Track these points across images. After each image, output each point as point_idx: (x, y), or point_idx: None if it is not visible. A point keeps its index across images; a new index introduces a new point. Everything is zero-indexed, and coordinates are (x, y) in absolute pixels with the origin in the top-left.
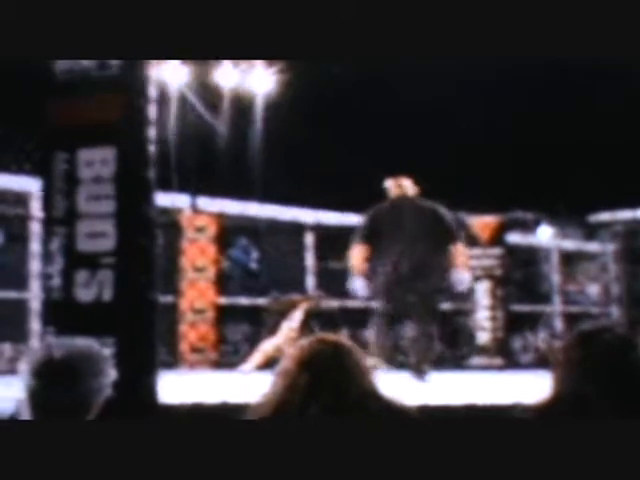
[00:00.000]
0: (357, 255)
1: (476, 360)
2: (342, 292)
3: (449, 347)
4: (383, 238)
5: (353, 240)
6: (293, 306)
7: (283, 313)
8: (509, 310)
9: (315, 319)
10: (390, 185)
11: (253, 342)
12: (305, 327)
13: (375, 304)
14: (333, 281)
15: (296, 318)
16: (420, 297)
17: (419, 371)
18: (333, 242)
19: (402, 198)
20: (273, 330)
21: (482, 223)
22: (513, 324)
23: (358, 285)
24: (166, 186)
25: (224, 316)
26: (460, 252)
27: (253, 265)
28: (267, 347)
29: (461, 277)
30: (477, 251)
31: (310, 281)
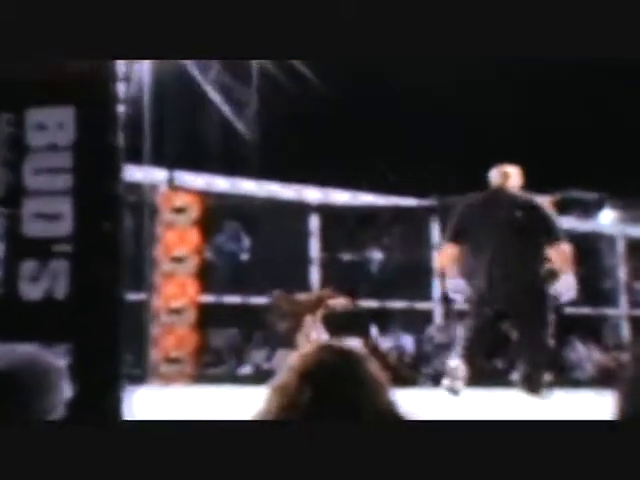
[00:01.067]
0: (447, 257)
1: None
2: (353, 289)
3: (487, 359)
4: (474, 236)
5: (443, 238)
6: (316, 306)
7: (297, 316)
8: (562, 313)
9: (339, 325)
10: (493, 174)
11: (242, 351)
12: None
13: (468, 307)
14: (344, 275)
15: (314, 327)
16: (521, 299)
17: (531, 386)
18: (344, 227)
19: (499, 190)
20: (288, 338)
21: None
22: (567, 331)
23: (457, 287)
24: (137, 157)
25: (208, 318)
26: (564, 254)
27: (245, 255)
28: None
29: (567, 284)
30: None
31: (314, 275)
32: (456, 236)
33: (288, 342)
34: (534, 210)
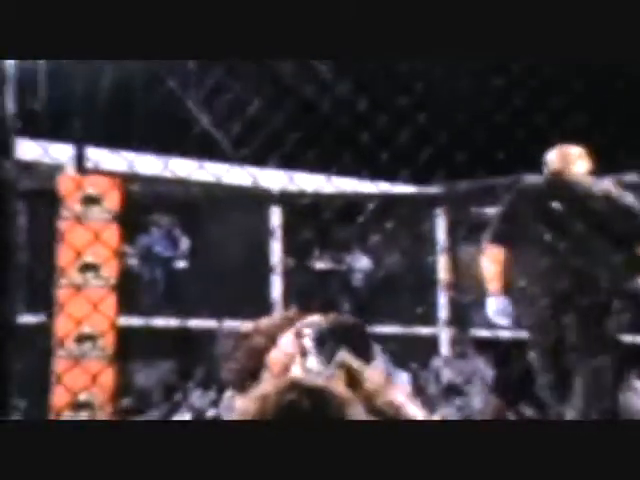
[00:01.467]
0: (491, 262)
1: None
2: (327, 305)
3: (508, 402)
4: (530, 236)
5: (483, 239)
6: (279, 330)
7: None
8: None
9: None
10: (552, 156)
11: (178, 393)
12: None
13: (527, 334)
14: (315, 289)
15: (298, 356)
16: (581, 317)
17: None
18: (316, 223)
19: (561, 175)
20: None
21: None
22: (628, 363)
23: (499, 308)
24: (35, 130)
25: (130, 348)
26: None
27: (182, 262)
28: None
29: None
30: None
31: (276, 289)
32: (502, 236)
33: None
34: (613, 201)
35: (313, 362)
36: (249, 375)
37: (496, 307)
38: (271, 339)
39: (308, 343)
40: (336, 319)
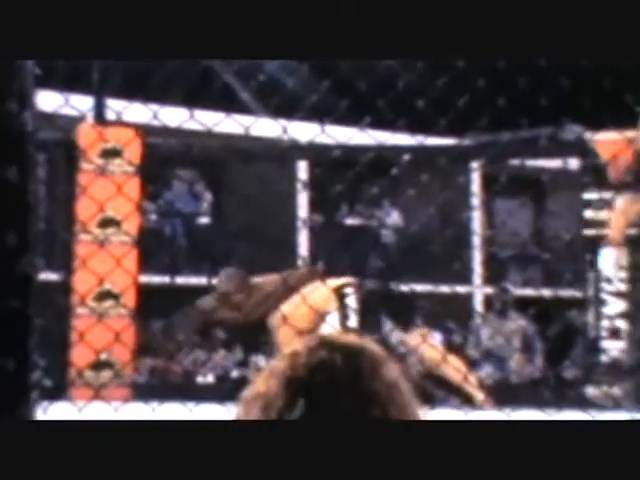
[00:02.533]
0: (621, 211)
1: (594, 390)
2: (360, 265)
3: (551, 365)
4: None
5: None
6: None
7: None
8: None
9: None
10: None
11: (201, 353)
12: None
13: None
14: (345, 246)
15: (329, 316)
16: None
17: None
18: (345, 176)
19: None
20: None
21: (609, 143)
22: None
23: (615, 259)
24: (53, 79)
25: (152, 306)
26: None
27: (204, 218)
28: None
29: None
30: (597, 195)
31: (303, 245)
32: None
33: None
34: None
35: (354, 321)
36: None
37: (613, 258)
38: (290, 288)
39: (352, 303)
40: (381, 284)
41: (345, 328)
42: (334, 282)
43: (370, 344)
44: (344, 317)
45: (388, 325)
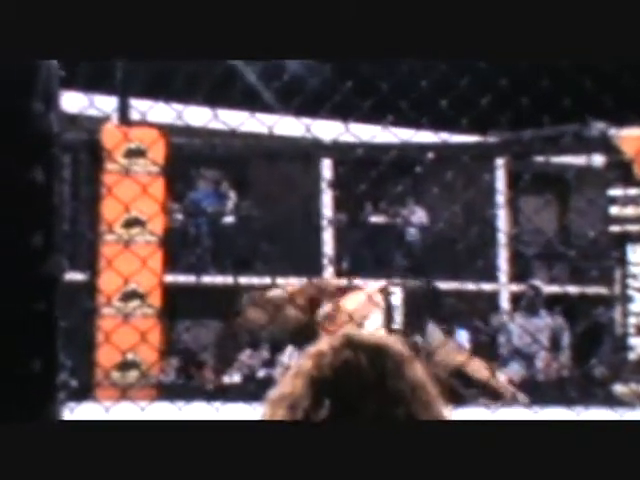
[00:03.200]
0: None
1: (622, 388)
2: (381, 260)
3: (577, 361)
4: None
5: None
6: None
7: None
8: None
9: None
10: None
11: (227, 353)
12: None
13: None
14: (369, 244)
15: (371, 316)
16: None
17: None
18: (370, 175)
19: None
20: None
21: (633, 139)
22: None
23: None
24: (78, 80)
25: (178, 307)
26: None
27: (230, 217)
28: None
29: None
30: (623, 191)
31: (328, 244)
32: None
33: (299, 338)
34: None
35: (396, 322)
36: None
37: None
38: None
39: (397, 302)
40: (427, 286)
41: (390, 330)
42: (374, 285)
43: (395, 343)
44: (388, 318)
45: (431, 326)
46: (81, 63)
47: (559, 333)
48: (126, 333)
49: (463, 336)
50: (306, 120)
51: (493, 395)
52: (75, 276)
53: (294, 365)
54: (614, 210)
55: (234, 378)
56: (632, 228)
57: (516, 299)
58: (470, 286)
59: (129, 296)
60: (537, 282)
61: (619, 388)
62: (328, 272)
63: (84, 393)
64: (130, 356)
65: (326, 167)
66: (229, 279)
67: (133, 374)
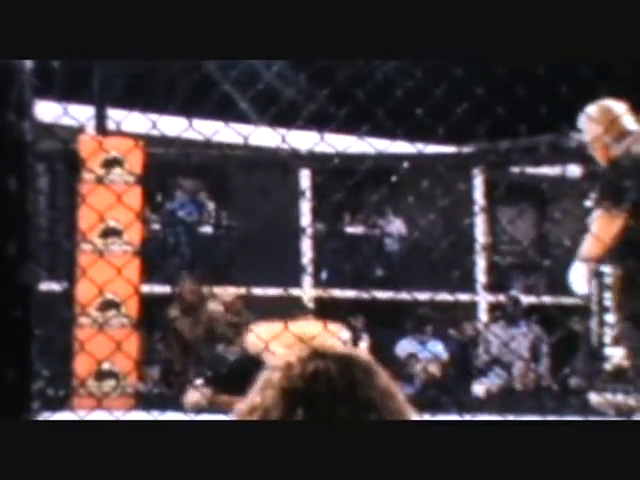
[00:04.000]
0: (608, 226)
1: (597, 397)
2: (359, 271)
3: (554, 371)
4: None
5: (597, 203)
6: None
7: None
8: None
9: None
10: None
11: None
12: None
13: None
14: (347, 255)
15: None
16: None
17: None
18: (347, 185)
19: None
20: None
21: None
22: None
23: (585, 275)
24: (52, 88)
25: (155, 315)
26: None
27: (207, 227)
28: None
29: None
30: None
31: (306, 252)
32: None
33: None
34: None
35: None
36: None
37: (583, 273)
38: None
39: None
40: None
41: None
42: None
43: (360, 353)
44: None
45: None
46: (55, 67)
47: (538, 343)
48: (102, 342)
49: (439, 347)
50: (282, 130)
51: None
52: (52, 286)
53: (261, 377)
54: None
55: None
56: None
57: (494, 309)
58: (447, 296)
59: (105, 306)
60: (515, 292)
61: (594, 398)
62: (306, 282)
63: (60, 402)
64: (107, 365)
65: (304, 177)
66: (206, 289)
67: (110, 383)
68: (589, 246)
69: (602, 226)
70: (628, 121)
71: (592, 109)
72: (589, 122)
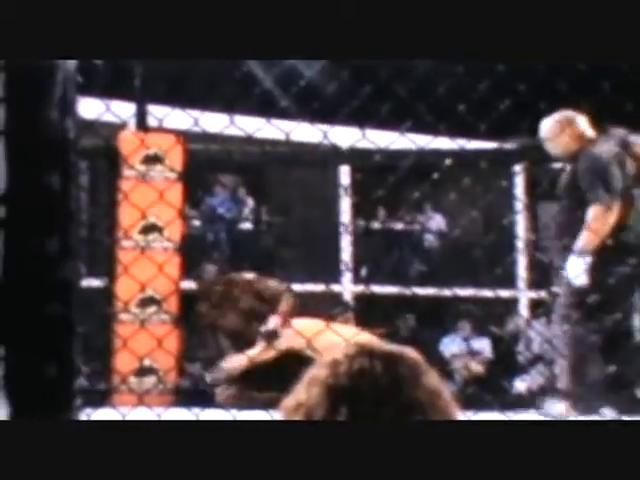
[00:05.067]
0: (608, 218)
1: (554, 407)
2: (402, 269)
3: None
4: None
5: (598, 195)
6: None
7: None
8: None
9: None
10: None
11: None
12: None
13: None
14: (387, 251)
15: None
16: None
17: None
18: (387, 182)
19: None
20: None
21: None
22: None
23: (584, 267)
24: (95, 86)
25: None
26: None
27: (246, 223)
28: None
29: None
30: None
31: (346, 250)
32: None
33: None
34: None
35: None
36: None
37: (581, 265)
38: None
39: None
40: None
41: None
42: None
43: (409, 351)
44: None
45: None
46: (98, 65)
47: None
48: (143, 339)
49: (484, 343)
50: (323, 126)
51: None
52: (93, 282)
53: (307, 374)
54: None
55: None
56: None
57: (535, 306)
58: (488, 293)
59: (146, 302)
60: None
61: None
62: (346, 278)
63: (101, 399)
64: (147, 362)
65: (343, 173)
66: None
67: (150, 380)
68: (586, 239)
69: (597, 219)
70: (588, 130)
71: (555, 117)
72: (552, 129)
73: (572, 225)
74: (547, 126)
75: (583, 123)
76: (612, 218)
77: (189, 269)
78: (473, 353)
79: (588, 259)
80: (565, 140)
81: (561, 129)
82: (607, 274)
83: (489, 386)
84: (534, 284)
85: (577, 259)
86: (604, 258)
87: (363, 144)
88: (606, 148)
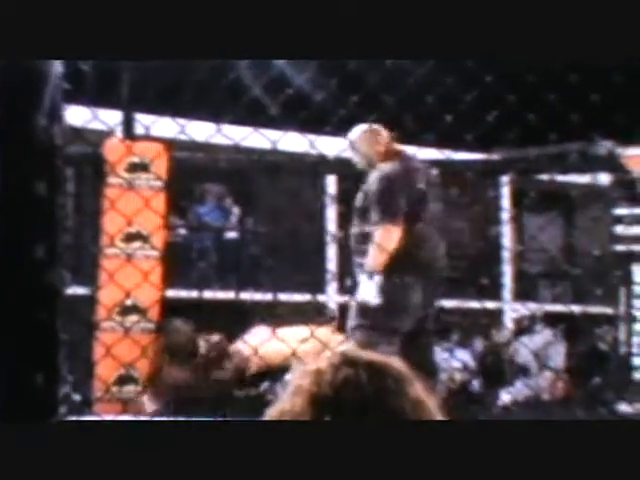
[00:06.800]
0: (388, 239)
1: (627, 408)
2: None
3: (581, 382)
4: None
5: (379, 215)
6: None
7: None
8: None
9: None
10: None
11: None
12: None
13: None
14: None
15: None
16: None
17: None
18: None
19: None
20: None
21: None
22: None
23: (376, 286)
24: (81, 94)
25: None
26: None
27: (232, 232)
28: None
29: None
30: (628, 210)
31: (332, 258)
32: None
33: None
34: None
35: None
36: None
37: (375, 286)
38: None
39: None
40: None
41: None
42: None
43: (394, 361)
44: None
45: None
46: (85, 72)
47: (559, 351)
48: (125, 347)
49: (466, 355)
50: (310, 135)
51: None
52: (78, 290)
53: (292, 383)
54: (619, 229)
55: (238, 392)
56: (637, 247)
57: (518, 318)
58: (473, 304)
59: (129, 310)
60: (533, 306)
61: (624, 408)
62: (332, 288)
63: (85, 407)
64: (129, 370)
65: (331, 183)
66: (232, 294)
67: (131, 388)
68: (372, 258)
69: (382, 238)
70: (391, 147)
71: (362, 129)
72: (360, 141)
73: (364, 244)
74: (354, 135)
75: (386, 139)
76: (396, 236)
77: (173, 277)
78: (458, 364)
79: (377, 278)
80: (368, 152)
81: (366, 140)
82: (398, 290)
83: (474, 397)
84: (519, 296)
85: (367, 279)
86: (394, 275)
87: (349, 154)
88: (390, 169)
